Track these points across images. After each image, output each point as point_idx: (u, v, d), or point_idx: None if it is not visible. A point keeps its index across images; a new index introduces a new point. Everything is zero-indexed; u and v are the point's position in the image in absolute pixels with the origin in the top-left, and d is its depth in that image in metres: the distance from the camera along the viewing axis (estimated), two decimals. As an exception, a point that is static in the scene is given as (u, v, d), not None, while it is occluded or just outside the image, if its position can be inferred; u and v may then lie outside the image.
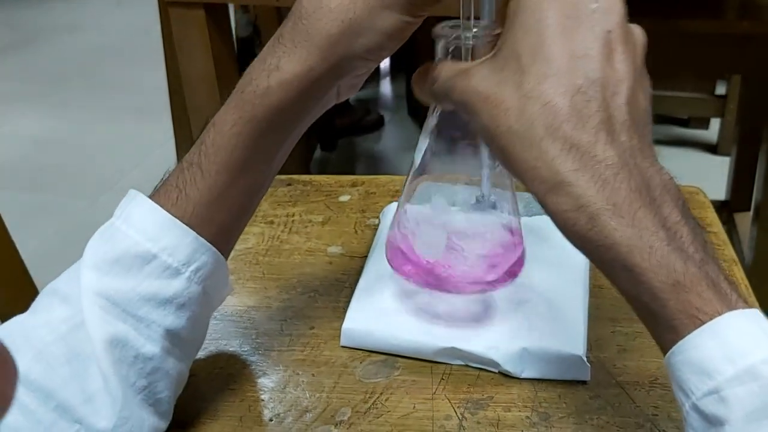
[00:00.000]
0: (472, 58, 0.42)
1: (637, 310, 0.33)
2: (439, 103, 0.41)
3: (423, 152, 0.47)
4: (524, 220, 0.59)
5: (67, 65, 2.89)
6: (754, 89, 1.52)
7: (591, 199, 0.32)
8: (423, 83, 0.40)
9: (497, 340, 0.48)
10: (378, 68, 2.69)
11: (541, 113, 0.33)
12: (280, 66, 0.39)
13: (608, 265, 0.32)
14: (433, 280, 0.48)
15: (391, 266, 0.49)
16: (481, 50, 0.41)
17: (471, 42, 0.42)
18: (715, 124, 2.16)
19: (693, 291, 0.30)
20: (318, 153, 2.13)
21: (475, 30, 0.42)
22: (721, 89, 2.07)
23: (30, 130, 2.37)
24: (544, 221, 0.63)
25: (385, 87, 2.64)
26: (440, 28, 0.43)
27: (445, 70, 0.39)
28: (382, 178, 0.71)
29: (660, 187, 0.33)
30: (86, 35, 3.18)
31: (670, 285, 0.31)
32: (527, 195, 0.64)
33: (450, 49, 0.43)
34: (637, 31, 0.36)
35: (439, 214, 0.48)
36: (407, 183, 0.49)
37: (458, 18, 0.42)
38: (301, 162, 1.69)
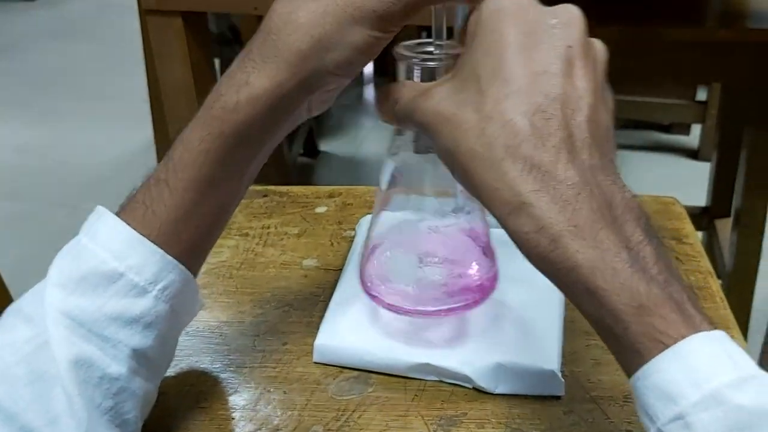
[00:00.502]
0: (434, 79, 0.41)
1: (600, 332, 0.33)
2: (401, 125, 0.41)
3: (389, 174, 0.47)
4: (498, 231, 0.59)
5: (48, 72, 2.87)
6: (733, 95, 1.53)
7: (552, 221, 0.31)
8: (385, 104, 0.40)
9: (471, 356, 0.48)
10: (362, 74, 2.69)
11: (501, 134, 0.33)
12: (250, 81, 0.39)
13: (571, 287, 0.32)
14: (405, 306, 0.47)
15: (364, 291, 0.49)
16: (443, 70, 0.41)
17: (433, 63, 0.42)
18: (696, 129, 2.18)
19: (656, 314, 0.30)
20: (300, 159, 2.13)
21: (436, 50, 0.42)
22: (702, 95, 2.08)
23: (10, 137, 2.35)
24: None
25: (369, 93, 2.64)
26: (401, 48, 0.43)
27: (407, 91, 0.38)
28: (360, 189, 0.71)
29: (622, 206, 0.32)
30: (68, 42, 3.16)
31: (633, 307, 0.30)
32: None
33: (412, 70, 0.42)
34: (598, 46, 0.36)
35: (410, 237, 0.48)
36: (376, 204, 0.48)
37: (429, 31, 0.42)
38: (282, 169, 1.68)
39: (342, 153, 2.23)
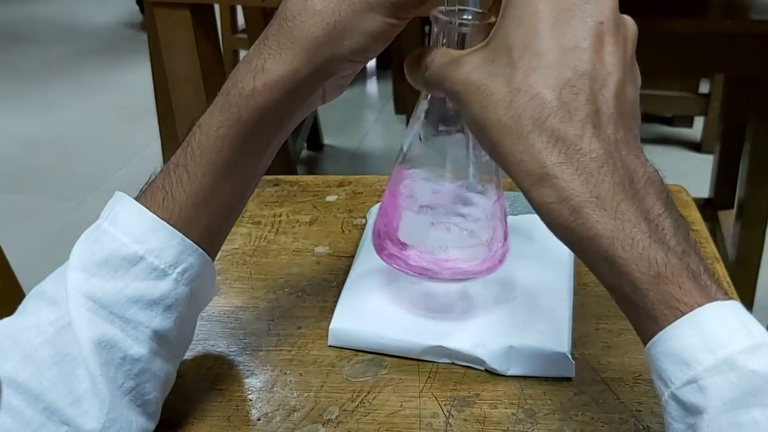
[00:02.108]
0: (466, 46, 0.41)
1: (618, 301, 0.34)
2: (430, 91, 0.42)
3: (411, 138, 0.47)
4: (510, 218, 0.59)
5: (52, 65, 2.87)
6: (737, 87, 1.53)
7: (574, 192, 0.32)
8: (416, 69, 0.40)
9: (483, 338, 0.48)
10: (365, 68, 2.70)
11: (528, 106, 0.33)
12: (266, 68, 0.39)
13: (591, 256, 0.33)
14: (415, 266, 0.47)
15: (376, 251, 0.49)
16: (476, 38, 0.41)
17: (466, 29, 0.42)
18: (698, 122, 2.18)
19: (673, 282, 0.31)
20: (305, 152, 2.14)
21: (470, 17, 0.42)
22: (704, 88, 2.08)
23: (15, 130, 2.36)
24: (530, 220, 0.63)
25: (372, 86, 2.65)
26: (437, 12, 0.42)
27: (438, 57, 0.39)
28: (369, 178, 0.71)
29: (644, 180, 0.33)
30: (72, 35, 3.16)
31: (650, 276, 0.31)
32: (513, 194, 0.64)
33: (446, 34, 0.42)
34: (629, 23, 0.36)
35: (424, 199, 0.48)
36: (394, 170, 0.48)
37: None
38: (287, 161, 1.68)
39: (346, 146, 2.24)
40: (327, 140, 2.22)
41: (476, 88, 0.35)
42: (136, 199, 0.41)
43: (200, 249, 0.41)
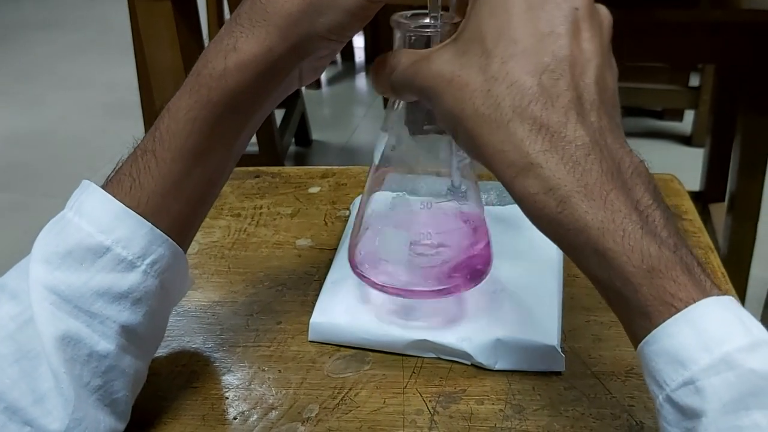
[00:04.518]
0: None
1: (608, 297, 0.32)
2: (398, 95, 0.40)
3: (382, 149, 0.46)
4: (497, 209, 0.58)
5: (38, 61, 2.84)
6: (727, 79, 1.52)
7: (561, 181, 0.31)
8: (381, 74, 0.39)
9: (469, 332, 0.46)
10: (353, 63, 2.68)
11: (507, 93, 0.32)
12: (238, 47, 0.37)
13: (579, 250, 0.31)
14: (395, 286, 0.46)
15: (354, 272, 0.48)
16: (441, 39, 0.40)
17: (430, 31, 0.41)
18: (689, 115, 2.17)
19: (667, 276, 0.29)
20: (293, 148, 2.11)
21: (432, 21, 0.41)
22: (694, 81, 2.08)
23: (0, 127, 2.33)
24: (516, 211, 0.62)
25: (361, 82, 2.63)
26: (399, 17, 0.41)
27: (405, 57, 0.37)
28: (354, 169, 0.69)
29: (631, 170, 0.32)
30: (57, 31, 3.13)
31: (644, 270, 0.29)
32: (500, 185, 0.62)
33: (409, 39, 0.41)
34: (604, 11, 0.35)
35: (402, 217, 0.46)
36: (368, 181, 0.47)
37: (420, 6, 0.41)
38: (274, 157, 1.66)
39: (335, 142, 2.22)
40: (315, 136, 2.20)
41: (449, 81, 0.34)
42: (102, 187, 0.39)
43: (170, 239, 0.39)
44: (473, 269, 0.47)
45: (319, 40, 0.38)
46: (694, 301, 0.29)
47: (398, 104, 0.45)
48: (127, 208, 0.38)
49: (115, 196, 0.38)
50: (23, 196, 1.99)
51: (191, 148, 0.38)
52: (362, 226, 0.48)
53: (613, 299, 0.31)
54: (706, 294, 0.29)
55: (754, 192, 1.37)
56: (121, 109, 2.21)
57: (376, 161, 0.47)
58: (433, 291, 0.46)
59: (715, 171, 1.57)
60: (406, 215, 0.47)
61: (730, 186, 1.42)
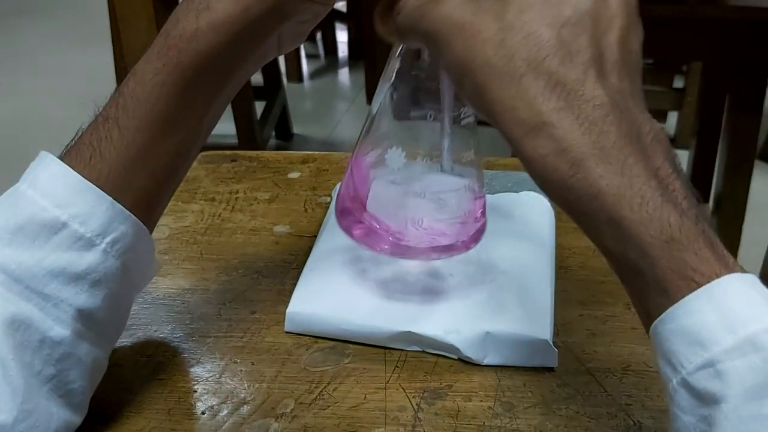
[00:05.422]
0: None
1: (621, 272, 0.29)
2: (403, 39, 0.36)
3: (383, 97, 0.42)
4: (488, 197, 0.55)
5: (16, 49, 2.79)
6: (713, 80, 1.51)
7: (575, 143, 0.28)
8: (387, 16, 0.35)
9: (457, 324, 0.44)
10: (337, 57, 2.65)
11: (522, 45, 0.29)
12: (211, 5, 0.34)
13: (591, 218, 0.28)
14: (383, 242, 0.43)
15: (339, 225, 0.44)
16: None
17: None
18: (672, 117, 2.16)
19: (689, 248, 0.26)
20: (273, 141, 2.08)
21: None
22: (679, 83, 2.07)
23: (-26, 116, 2.27)
24: (509, 199, 0.58)
25: (344, 76, 2.60)
26: None
27: None
28: (336, 155, 0.66)
29: (651, 136, 0.29)
30: (34, 20, 3.07)
31: (662, 241, 0.27)
32: (490, 172, 0.59)
33: None
34: None
35: (395, 170, 0.43)
36: (363, 133, 0.43)
37: None
38: (253, 149, 1.62)
39: (316, 136, 2.18)
40: (296, 129, 2.16)
41: (460, 27, 0.31)
42: (60, 157, 0.36)
43: (134, 216, 0.36)
44: (467, 233, 0.44)
45: (301, 1, 0.35)
46: (717, 277, 0.26)
47: (401, 49, 0.41)
48: (87, 181, 0.35)
49: (73, 168, 0.35)
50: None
51: (158, 116, 0.35)
52: (353, 179, 0.44)
53: (626, 275, 0.29)
54: (730, 270, 0.26)
55: (740, 193, 1.35)
56: (98, 97, 2.15)
57: (373, 111, 0.43)
58: (423, 249, 0.43)
59: (700, 173, 1.55)
60: (404, 170, 0.43)
61: (716, 187, 1.41)
